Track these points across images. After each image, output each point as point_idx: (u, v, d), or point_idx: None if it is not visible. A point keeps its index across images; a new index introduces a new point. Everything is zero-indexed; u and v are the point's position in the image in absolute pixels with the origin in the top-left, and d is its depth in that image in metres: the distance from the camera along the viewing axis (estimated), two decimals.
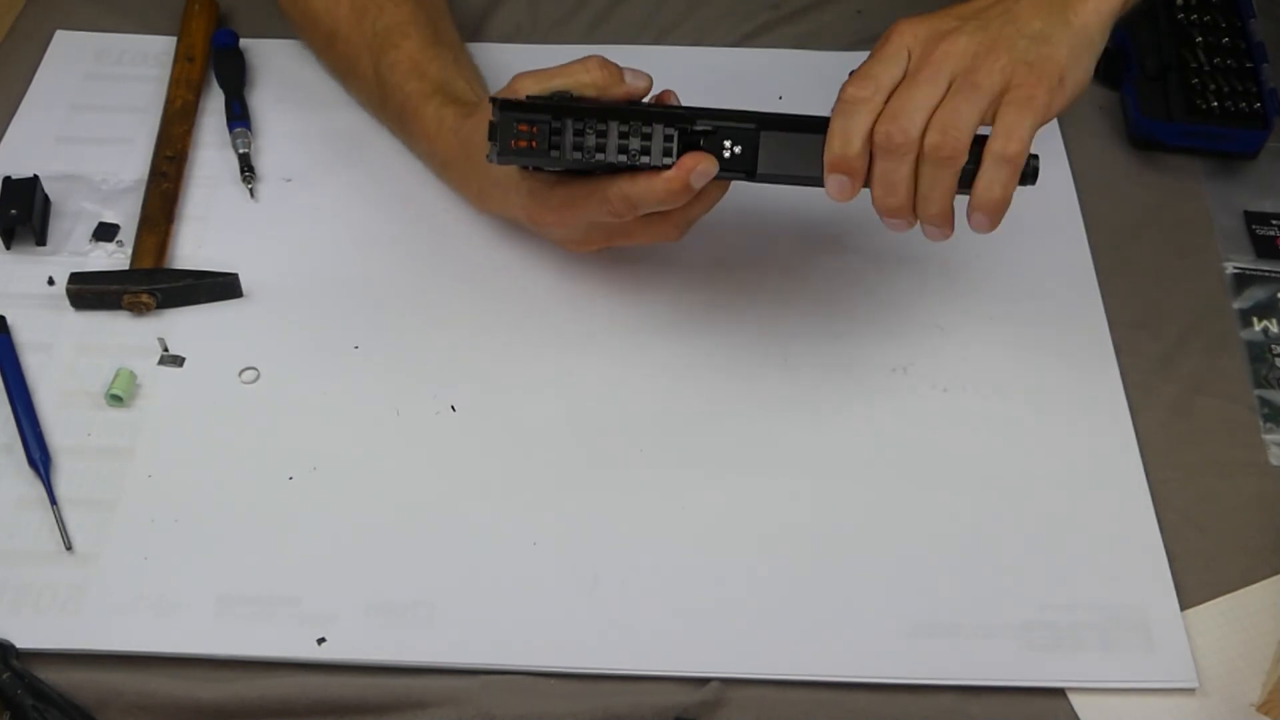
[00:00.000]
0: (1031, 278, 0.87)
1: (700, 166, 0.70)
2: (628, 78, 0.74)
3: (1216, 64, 0.95)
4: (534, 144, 0.70)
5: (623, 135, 0.70)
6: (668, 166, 0.70)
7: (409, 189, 0.92)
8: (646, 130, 0.70)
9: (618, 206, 0.73)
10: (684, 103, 0.75)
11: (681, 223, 0.77)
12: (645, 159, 0.71)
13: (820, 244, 0.88)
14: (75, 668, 0.70)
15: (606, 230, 0.78)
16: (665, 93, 0.76)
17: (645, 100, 0.75)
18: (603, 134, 0.70)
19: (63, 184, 0.91)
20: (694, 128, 0.71)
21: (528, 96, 0.72)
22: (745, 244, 0.88)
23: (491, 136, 0.71)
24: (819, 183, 0.71)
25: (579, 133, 0.70)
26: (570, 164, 0.71)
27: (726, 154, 0.71)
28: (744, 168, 0.71)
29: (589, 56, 0.74)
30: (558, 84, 0.73)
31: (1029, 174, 0.70)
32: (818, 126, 0.71)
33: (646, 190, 0.71)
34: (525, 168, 0.76)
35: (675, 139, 0.70)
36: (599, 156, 0.70)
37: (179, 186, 0.91)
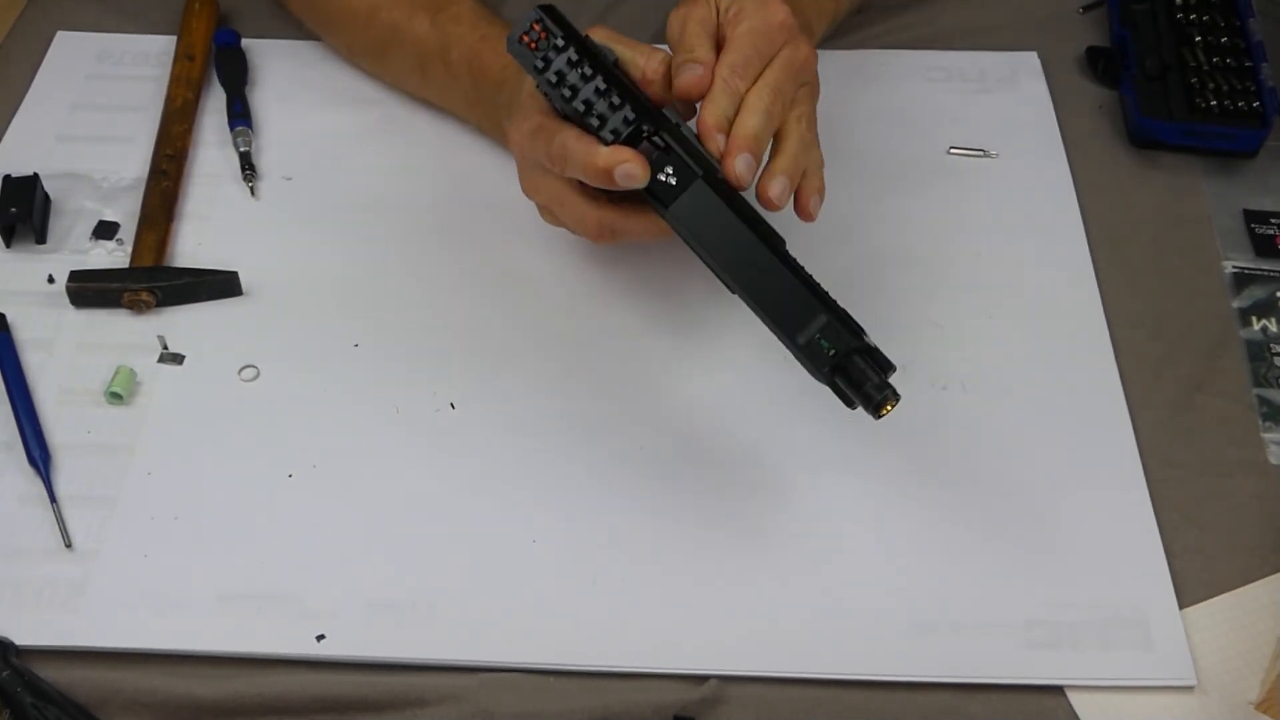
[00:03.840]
0: (1031, 277, 0.87)
1: (627, 166, 0.70)
2: (684, 74, 0.73)
3: (1216, 63, 0.95)
4: (533, 45, 0.72)
5: (595, 92, 0.71)
6: (602, 139, 0.71)
7: (409, 187, 0.92)
8: (615, 103, 0.71)
9: (554, 151, 0.73)
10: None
11: (605, 223, 0.75)
12: (591, 124, 0.71)
13: (820, 242, 0.88)
14: (75, 665, 0.70)
15: (548, 186, 0.77)
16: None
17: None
18: (584, 80, 0.71)
19: (63, 182, 0.91)
20: (650, 135, 0.71)
21: (586, 33, 0.73)
22: None
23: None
24: (703, 258, 0.71)
25: (568, 64, 0.71)
26: (543, 83, 0.72)
27: (661, 176, 0.71)
28: (663, 199, 0.71)
29: (660, 50, 0.75)
30: (619, 49, 0.74)
31: (873, 406, 0.68)
32: (746, 217, 0.70)
33: (578, 151, 0.71)
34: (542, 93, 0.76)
35: (629, 131, 0.71)
36: (564, 91, 0.71)
37: (179, 185, 0.91)
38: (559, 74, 0.71)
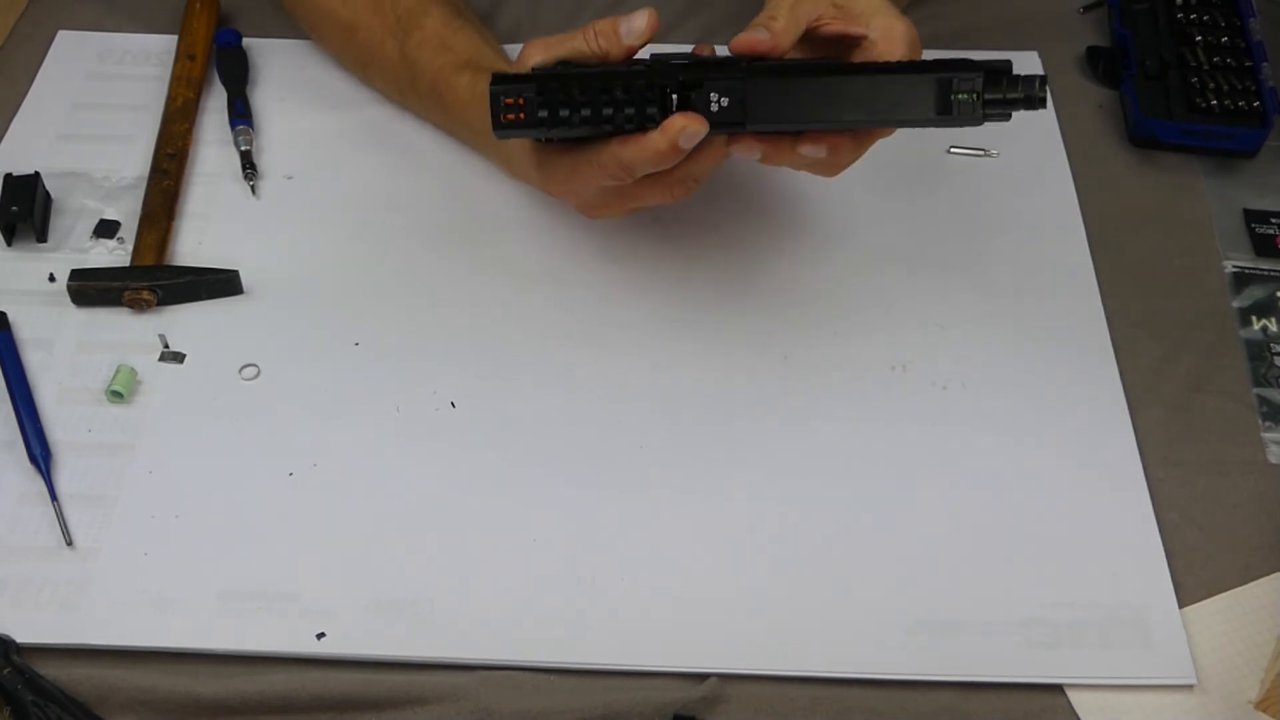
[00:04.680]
0: (1031, 276, 0.87)
1: (689, 128, 0.70)
2: (621, 28, 0.73)
3: (1216, 63, 0.95)
4: (522, 115, 0.71)
5: (606, 101, 0.70)
6: (655, 126, 0.70)
7: (409, 186, 0.92)
8: (622, 94, 0.70)
9: (614, 170, 0.73)
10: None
11: (686, 180, 0.76)
12: (629, 124, 0.70)
13: (820, 242, 0.89)
14: (75, 663, 0.70)
15: (618, 194, 0.77)
16: (700, 46, 0.77)
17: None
18: (587, 102, 0.70)
19: (64, 181, 0.91)
20: (673, 89, 0.70)
21: (532, 68, 0.73)
22: (745, 242, 0.88)
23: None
24: (811, 128, 0.71)
25: (564, 103, 0.70)
26: (560, 133, 0.71)
27: (714, 108, 0.70)
28: (733, 120, 0.71)
29: (593, 23, 0.74)
30: (564, 52, 0.73)
31: (1038, 100, 0.69)
32: (806, 71, 0.70)
33: (637, 153, 0.71)
34: (536, 139, 0.76)
35: (657, 99, 0.70)
36: (583, 124, 0.70)
37: (180, 184, 0.91)
38: (563, 119, 0.70)
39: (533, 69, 0.73)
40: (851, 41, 0.76)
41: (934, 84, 0.69)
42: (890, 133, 0.76)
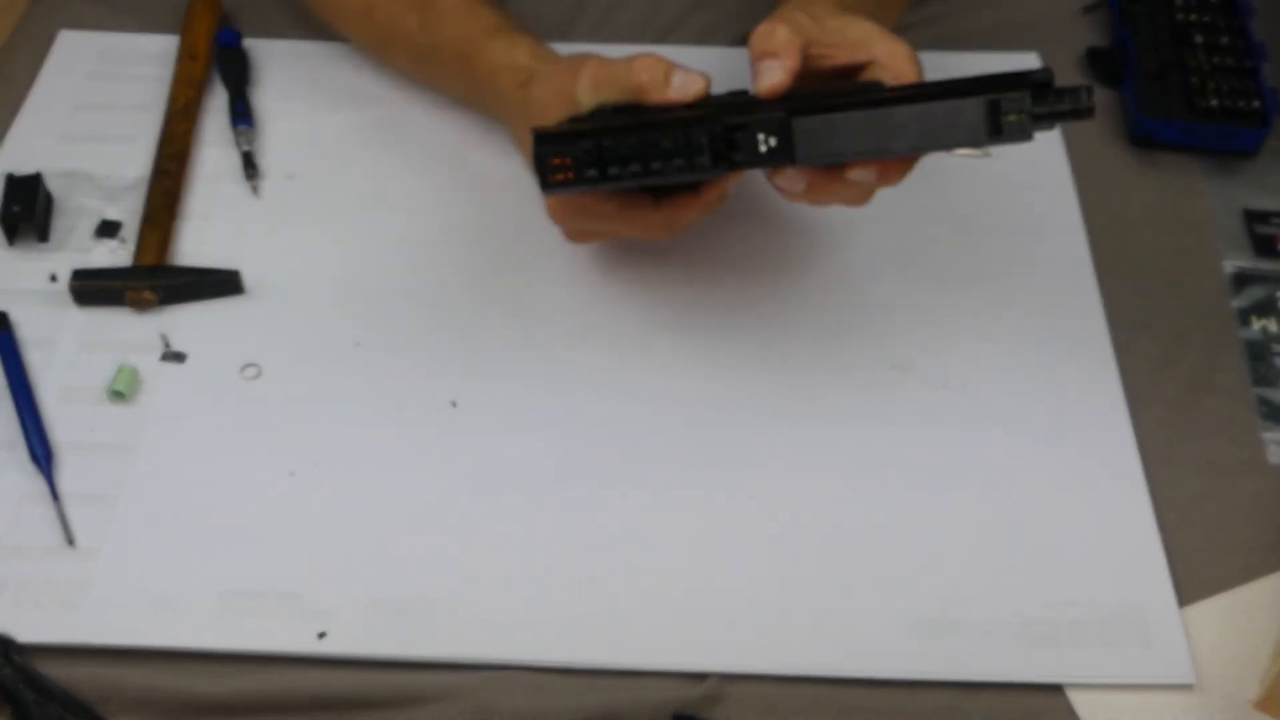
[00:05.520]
0: (1031, 276, 0.87)
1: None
2: (676, 80, 0.72)
3: (1216, 63, 0.95)
4: (570, 175, 0.70)
5: (654, 154, 0.69)
6: (703, 169, 0.69)
7: (410, 186, 0.92)
8: (669, 145, 0.69)
9: (662, 222, 0.77)
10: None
11: (670, 225, 0.77)
12: (679, 173, 0.69)
13: (821, 242, 0.89)
14: (76, 662, 0.70)
15: (601, 232, 0.79)
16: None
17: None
18: (635, 155, 0.69)
19: (66, 181, 0.91)
20: (723, 133, 0.69)
21: (570, 119, 0.73)
22: (745, 242, 0.88)
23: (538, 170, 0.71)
24: (863, 158, 0.70)
25: (612, 160, 0.69)
26: (610, 187, 0.71)
27: (763, 148, 0.69)
28: (783, 159, 0.69)
29: (640, 59, 0.73)
30: (613, 85, 0.73)
31: (1086, 111, 0.67)
32: (851, 103, 0.69)
33: (685, 213, 0.75)
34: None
35: (705, 145, 0.69)
36: (632, 178, 0.69)
37: (181, 184, 0.91)
38: (613, 174, 0.69)
39: (572, 119, 0.73)
40: (854, 70, 0.75)
41: (984, 106, 0.67)
42: None
